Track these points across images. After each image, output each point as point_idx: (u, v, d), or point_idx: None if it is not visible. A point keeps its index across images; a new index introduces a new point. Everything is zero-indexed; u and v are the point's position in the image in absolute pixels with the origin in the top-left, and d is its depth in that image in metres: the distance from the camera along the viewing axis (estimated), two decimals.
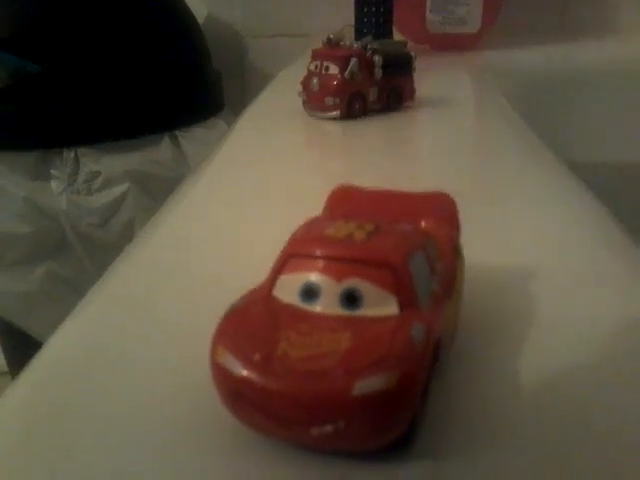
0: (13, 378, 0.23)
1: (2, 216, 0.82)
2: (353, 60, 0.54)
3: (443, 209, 0.26)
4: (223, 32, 1.14)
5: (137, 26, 0.85)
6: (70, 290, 0.85)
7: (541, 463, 0.18)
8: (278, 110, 0.62)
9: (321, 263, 0.19)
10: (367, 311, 0.19)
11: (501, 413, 0.20)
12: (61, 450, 0.19)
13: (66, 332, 0.26)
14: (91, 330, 0.26)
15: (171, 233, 0.35)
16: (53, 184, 0.82)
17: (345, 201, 0.26)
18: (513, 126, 0.55)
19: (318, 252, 0.19)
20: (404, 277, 0.19)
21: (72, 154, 0.81)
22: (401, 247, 0.20)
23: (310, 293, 0.19)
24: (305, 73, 0.57)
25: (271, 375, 0.17)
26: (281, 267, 0.20)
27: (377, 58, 0.56)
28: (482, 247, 0.27)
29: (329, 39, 0.57)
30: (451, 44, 0.91)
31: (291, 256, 0.20)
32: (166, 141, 0.86)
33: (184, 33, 0.92)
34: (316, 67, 0.56)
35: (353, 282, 0.19)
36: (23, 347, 0.83)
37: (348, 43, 0.57)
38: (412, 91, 0.60)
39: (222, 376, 0.18)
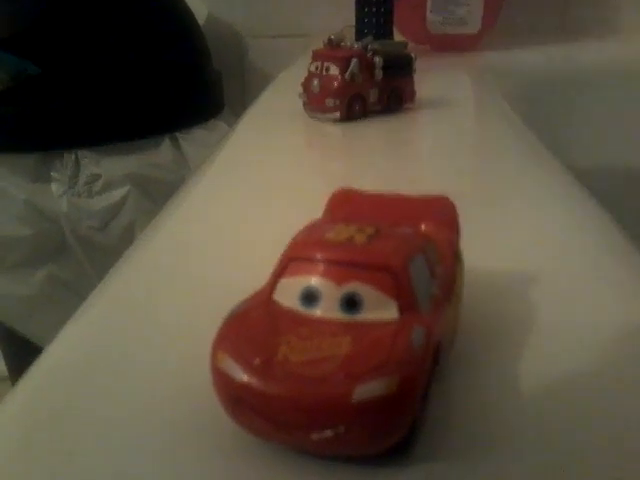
0: (13, 384, 0.23)
1: (2, 219, 0.82)
2: (354, 61, 0.54)
3: (443, 212, 0.26)
4: (223, 32, 1.14)
5: (137, 27, 0.85)
6: (70, 293, 0.85)
7: (541, 469, 0.18)
8: (278, 111, 0.62)
9: (321, 267, 0.19)
10: (367, 315, 0.19)
11: (501, 418, 0.20)
12: (61, 454, 0.19)
13: (67, 336, 0.26)
14: (92, 334, 0.26)
15: (171, 236, 0.35)
16: (53, 187, 0.82)
17: (345, 204, 0.26)
18: (513, 127, 0.55)
19: (318, 256, 0.19)
20: (404, 281, 0.19)
21: (72, 156, 0.81)
22: (401, 251, 0.20)
23: (310, 297, 0.19)
24: (305, 74, 0.57)
25: (271, 380, 0.17)
26: (281, 271, 0.20)
27: (377, 59, 0.56)
28: (482, 250, 0.27)
29: (330, 40, 0.57)
30: (451, 45, 0.91)
31: (291, 260, 0.20)
32: (166, 143, 0.86)
33: (184, 33, 0.92)
34: (317, 68, 0.56)
35: (353, 286, 0.19)
36: (23, 353, 0.83)
37: (349, 44, 0.57)
38: (412, 92, 0.60)
39: (222, 381, 0.18)
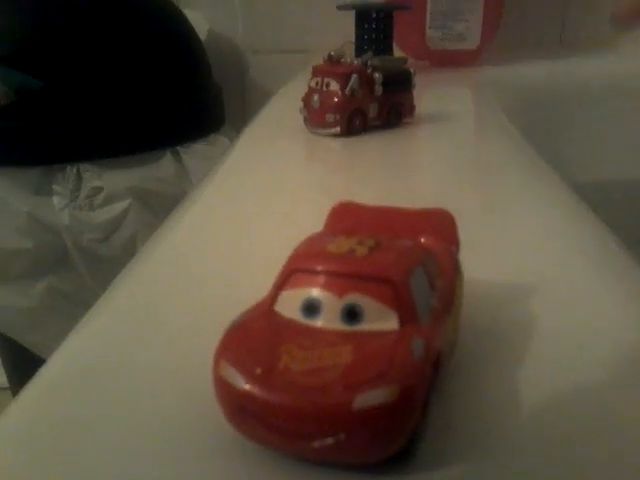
0: (14, 395, 0.23)
1: (4, 231, 0.82)
2: (354, 77, 0.55)
3: (442, 225, 0.26)
4: (224, 48, 1.15)
5: (138, 42, 0.85)
6: (71, 305, 0.85)
7: (540, 479, 0.18)
8: (279, 126, 0.63)
9: (323, 279, 0.19)
10: (368, 326, 0.19)
11: (501, 428, 0.20)
12: (63, 466, 0.19)
13: (69, 347, 0.26)
14: (94, 345, 0.26)
15: (173, 249, 0.36)
16: (55, 200, 0.82)
17: (346, 217, 0.27)
18: (513, 142, 0.55)
19: (320, 268, 0.20)
20: (404, 293, 0.19)
21: (74, 170, 0.82)
22: (402, 263, 0.20)
23: (311, 308, 0.19)
24: (306, 89, 0.58)
25: (273, 388, 0.17)
26: (283, 282, 0.20)
27: (377, 75, 0.56)
28: (482, 262, 0.27)
29: (330, 56, 0.58)
30: (450, 60, 0.92)
31: (293, 272, 0.20)
32: (168, 157, 0.86)
33: (186, 49, 0.93)
34: (317, 84, 0.57)
35: (354, 297, 0.19)
36: (24, 364, 0.83)
37: (349, 60, 0.58)
38: (412, 107, 0.60)
39: (225, 390, 0.18)
